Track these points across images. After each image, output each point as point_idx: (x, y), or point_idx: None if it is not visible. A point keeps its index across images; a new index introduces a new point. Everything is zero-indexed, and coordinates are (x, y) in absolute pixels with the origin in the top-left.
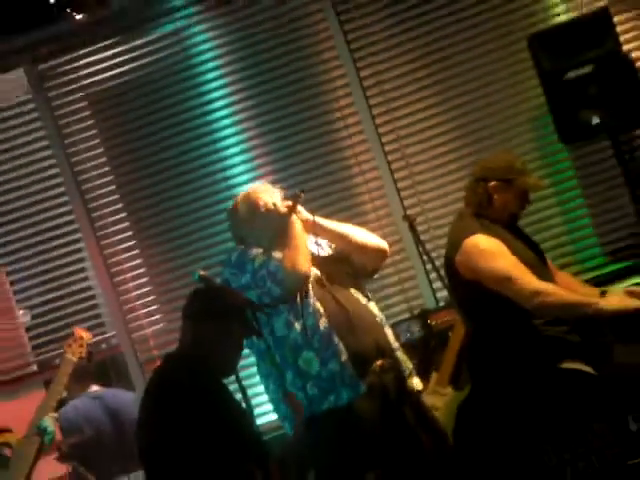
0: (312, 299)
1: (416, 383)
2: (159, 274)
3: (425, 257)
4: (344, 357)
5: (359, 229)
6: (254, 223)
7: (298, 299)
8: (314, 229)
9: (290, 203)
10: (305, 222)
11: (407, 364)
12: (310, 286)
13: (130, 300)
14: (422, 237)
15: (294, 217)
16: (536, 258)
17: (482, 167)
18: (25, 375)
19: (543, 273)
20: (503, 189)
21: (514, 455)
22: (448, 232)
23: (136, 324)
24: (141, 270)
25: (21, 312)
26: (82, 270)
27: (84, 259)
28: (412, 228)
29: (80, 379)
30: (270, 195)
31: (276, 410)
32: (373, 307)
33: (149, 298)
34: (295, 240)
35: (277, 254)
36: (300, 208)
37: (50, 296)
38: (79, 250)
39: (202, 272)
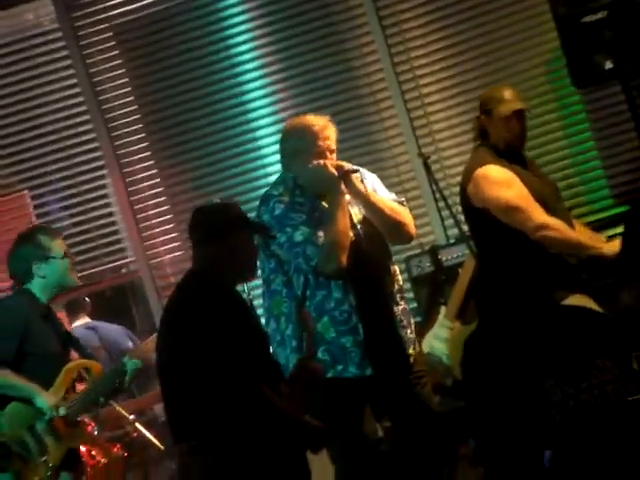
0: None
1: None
2: (179, 202)
3: (438, 194)
4: (360, 337)
5: (401, 209)
6: (302, 163)
7: None
8: (358, 197)
9: (345, 166)
10: (352, 190)
11: (409, 338)
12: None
13: (150, 227)
14: (435, 175)
15: (342, 186)
16: (550, 192)
17: (479, 102)
18: None
19: (557, 207)
20: (489, 120)
21: (519, 388)
22: (465, 165)
23: (155, 251)
24: (161, 199)
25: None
26: (104, 196)
27: (106, 186)
28: (426, 166)
29: (73, 310)
30: (327, 135)
31: (274, 349)
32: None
33: (168, 226)
34: (337, 224)
35: (319, 237)
36: (355, 179)
37: (73, 221)
38: (102, 177)
39: (218, 201)
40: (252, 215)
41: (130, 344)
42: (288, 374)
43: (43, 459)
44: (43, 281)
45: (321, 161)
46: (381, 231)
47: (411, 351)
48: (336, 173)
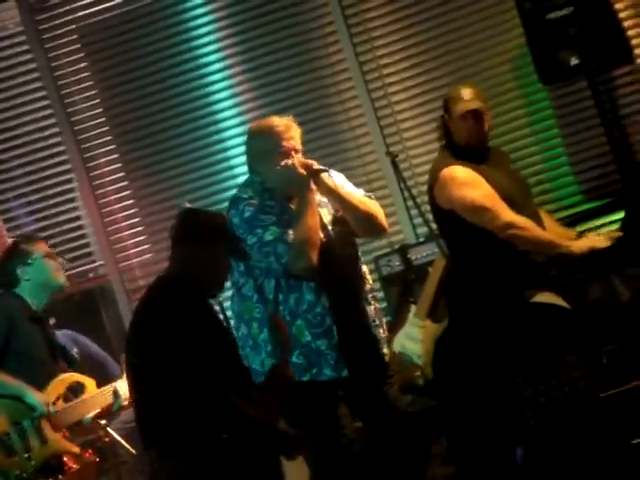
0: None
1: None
2: (147, 205)
3: (406, 193)
4: (335, 339)
5: (371, 203)
6: (269, 166)
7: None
8: (328, 194)
9: (313, 165)
10: (322, 187)
11: (382, 338)
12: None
13: (118, 230)
14: (403, 174)
15: (313, 186)
16: (517, 188)
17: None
18: None
19: (525, 203)
20: (450, 119)
21: (490, 386)
22: (431, 165)
23: (124, 254)
24: (129, 201)
25: (10, 240)
26: (71, 200)
27: (73, 189)
28: (394, 164)
29: None
30: (291, 136)
31: (244, 353)
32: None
33: (137, 229)
34: (306, 222)
35: (288, 235)
36: (323, 174)
37: (39, 225)
38: (69, 180)
39: (188, 204)
40: None
41: (75, 350)
42: (263, 379)
43: (26, 455)
44: (29, 284)
45: (289, 161)
46: (353, 226)
47: (385, 350)
48: (305, 172)
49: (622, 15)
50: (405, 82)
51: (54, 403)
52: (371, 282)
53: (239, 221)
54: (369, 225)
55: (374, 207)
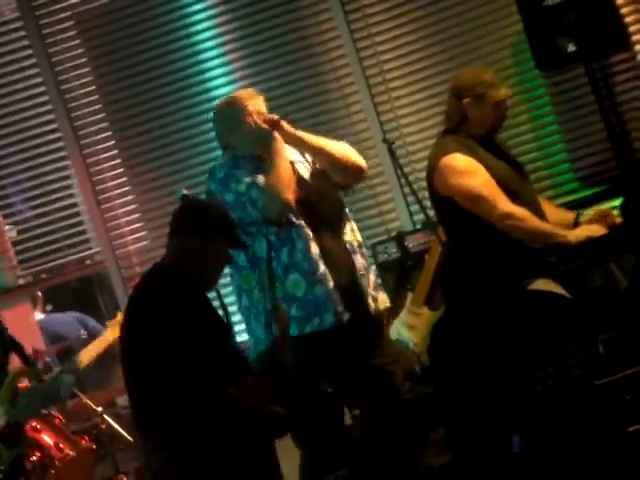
0: (303, 223)
1: (381, 301)
2: (144, 192)
3: (403, 180)
4: (331, 284)
5: (343, 145)
6: (237, 133)
7: (285, 221)
8: (295, 142)
9: (274, 117)
10: (289, 136)
11: (368, 292)
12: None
13: (115, 217)
14: (400, 161)
15: (276, 134)
16: (516, 175)
17: (454, 84)
18: (10, 289)
19: (524, 190)
20: (476, 104)
21: (487, 373)
22: (430, 151)
23: (120, 241)
24: (126, 188)
25: (7, 227)
26: (68, 187)
27: (70, 176)
28: (391, 151)
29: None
30: (255, 103)
31: (246, 324)
32: (346, 231)
33: (134, 216)
34: (276, 166)
35: (260, 179)
36: (285, 124)
37: (36, 212)
38: (65, 167)
39: (185, 191)
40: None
41: (82, 331)
42: (264, 345)
43: None
44: None
45: (250, 120)
46: (331, 174)
47: (371, 302)
48: (267, 126)
49: (619, 2)
50: (403, 69)
51: (12, 403)
52: (360, 238)
53: (215, 184)
54: (343, 167)
55: (346, 149)
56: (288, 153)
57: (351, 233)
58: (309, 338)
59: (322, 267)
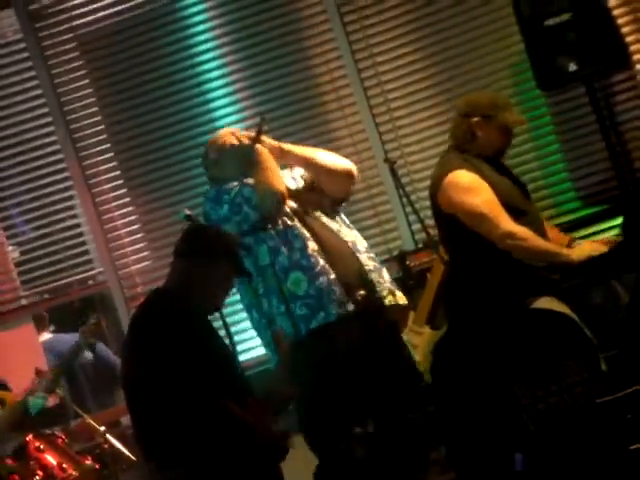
0: (297, 224)
1: (399, 297)
2: (146, 212)
3: (405, 199)
4: (332, 275)
5: (327, 152)
6: (224, 163)
7: (281, 224)
8: (280, 155)
9: (253, 133)
10: (271, 149)
11: (384, 286)
12: (291, 212)
13: (117, 237)
14: (402, 180)
15: (259, 146)
16: (520, 194)
17: (466, 103)
18: (13, 309)
19: (528, 209)
20: (486, 125)
21: (489, 392)
22: (434, 168)
23: (123, 261)
24: (129, 208)
25: (10, 248)
26: (71, 207)
27: (73, 197)
28: (392, 171)
29: (39, 325)
30: (232, 133)
31: (260, 337)
32: (347, 233)
33: (136, 236)
34: (264, 164)
35: (249, 180)
36: (265, 137)
37: (39, 233)
38: (68, 188)
39: (188, 211)
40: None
41: (87, 353)
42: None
43: None
44: None
45: (229, 140)
46: (320, 183)
47: (388, 295)
48: (248, 141)
49: (620, 21)
50: (404, 88)
51: None
52: (365, 245)
53: (209, 203)
54: (330, 172)
55: (329, 155)
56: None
57: (355, 236)
58: (317, 333)
59: (322, 261)
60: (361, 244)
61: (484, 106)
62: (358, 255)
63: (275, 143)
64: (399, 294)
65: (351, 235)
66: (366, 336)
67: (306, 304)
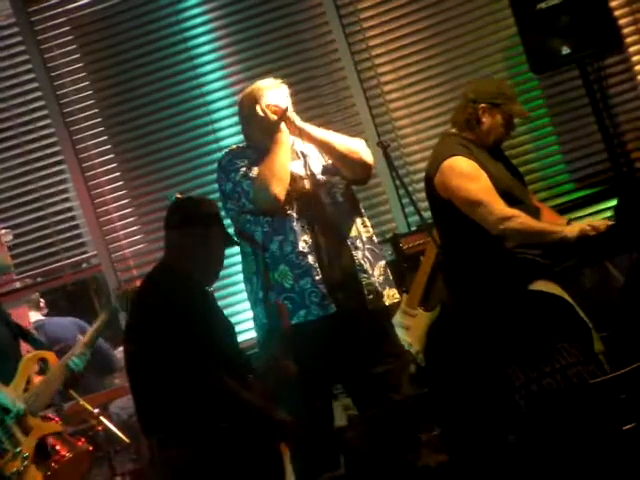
0: (295, 215)
1: (392, 296)
2: (139, 195)
3: (398, 182)
4: (318, 276)
5: (353, 140)
6: (251, 123)
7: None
8: (301, 134)
9: (281, 107)
10: (293, 127)
11: (373, 287)
12: (294, 199)
13: (110, 221)
14: (395, 163)
15: (283, 126)
16: (515, 180)
17: (474, 89)
18: (7, 292)
19: (523, 195)
20: (491, 112)
21: (482, 373)
22: (432, 152)
23: (116, 244)
24: (122, 192)
25: (3, 231)
26: (64, 191)
27: (66, 180)
28: (386, 154)
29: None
30: (274, 93)
31: (253, 313)
32: (352, 227)
33: (129, 219)
34: (272, 158)
35: (254, 171)
36: (292, 114)
37: (32, 216)
38: (61, 172)
39: (178, 195)
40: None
41: (79, 337)
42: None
43: (18, 450)
44: None
45: (259, 110)
46: (339, 167)
47: (371, 297)
48: (275, 117)
49: (613, 4)
50: (397, 72)
51: (26, 388)
52: (371, 232)
53: (219, 171)
54: (351, 162)
55: (355, 145)
56: (302, 147)
57: (359, 228)
58: (296, 328)
59: (309, 260)
60: (364, 238)
61: (492, 94)
62: (354, 253)
63: (301, 124)
64: (389, 293)
65: (355, 230)
66: (345, 338)
67: (290, 298)
